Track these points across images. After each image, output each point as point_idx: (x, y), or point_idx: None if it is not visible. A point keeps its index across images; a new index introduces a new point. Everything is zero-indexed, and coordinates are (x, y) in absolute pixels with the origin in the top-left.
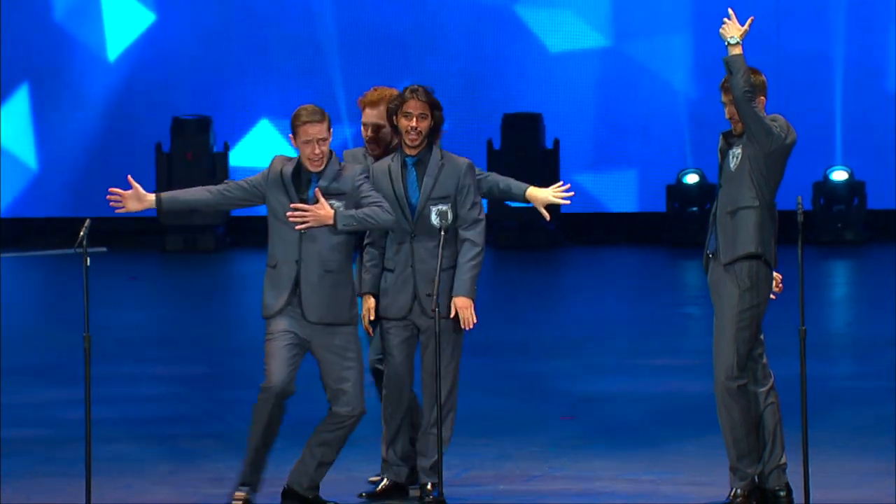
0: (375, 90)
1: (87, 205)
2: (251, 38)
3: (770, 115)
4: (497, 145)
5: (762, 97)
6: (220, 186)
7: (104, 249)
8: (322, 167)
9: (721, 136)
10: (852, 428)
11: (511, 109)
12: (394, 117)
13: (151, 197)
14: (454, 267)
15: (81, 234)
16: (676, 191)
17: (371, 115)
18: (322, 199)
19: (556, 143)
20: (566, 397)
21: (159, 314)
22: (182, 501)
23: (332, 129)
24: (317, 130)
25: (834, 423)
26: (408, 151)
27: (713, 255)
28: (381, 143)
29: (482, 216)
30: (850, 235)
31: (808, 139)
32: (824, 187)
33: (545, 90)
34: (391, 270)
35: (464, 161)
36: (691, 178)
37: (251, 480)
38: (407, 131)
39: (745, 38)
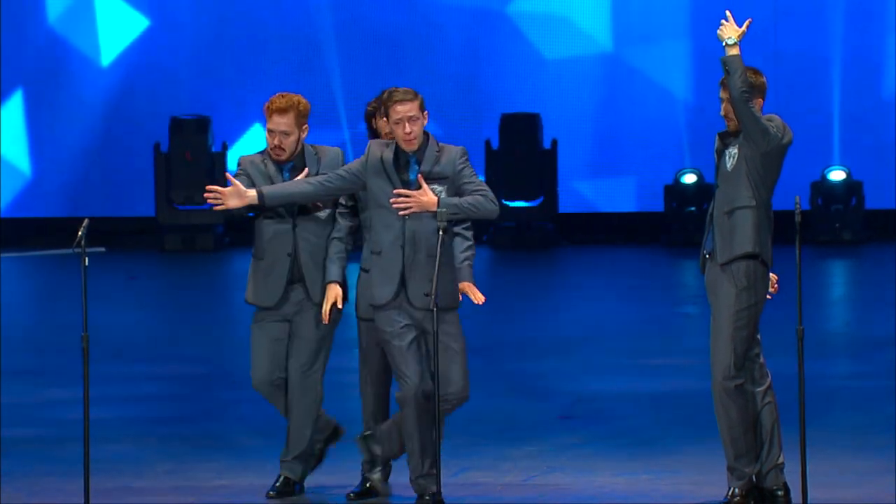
0: (283, 97)
1: (86, 206)
2: (248, 39)
3: (766, 114)
4: (495, 145)
5: (760, 99)
6: (320, 178)
7: (102, 249)
8: (415, 146)
9: (717, 137)
10: (850, 427)
11: (509, 110)
12: (372, 120)
13: (253, 192)
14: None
15: (80, 234)
16: (674, 191)
17: (279, 123)
18: (425, 185)
19: (555, 143)
20: (565, 397)
21: (158, 314)
22: (181, 501)
23: (426, 112)
24: (406, 109)
25: (832, 422)
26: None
27: (710, 255)
28: (288, 150)
29: None
30: (847, 235)
31: (806, 139)
32: (822, 187)
33: (543, 91)
34: (367, 271)
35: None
36: (689, 178)
37: (428, 488)
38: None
39: (743, 38)
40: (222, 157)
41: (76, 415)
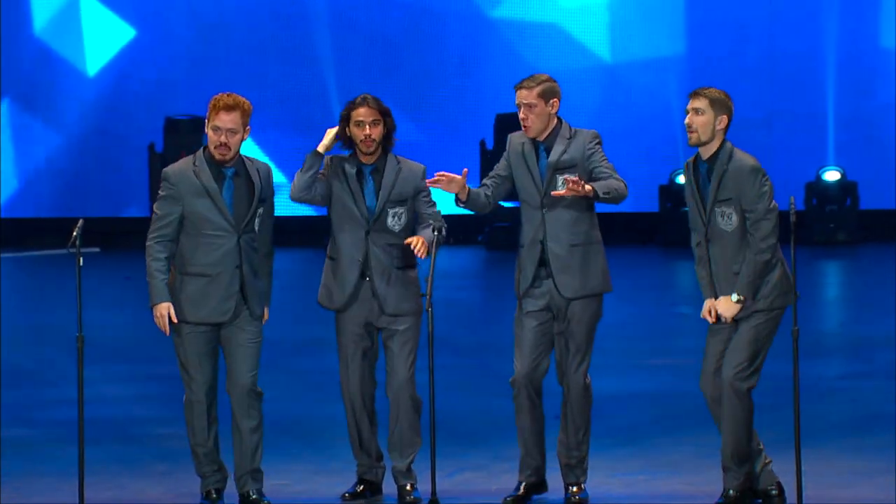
0: (229, 95)
1: (81, 206)
2: (244, 41)
3: (756, 175)
4: (490, 145)
5: (724, 115)
6: (484, 190)
7: (97, 250)
8: (533, 135)
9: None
10: (845, 427)
11: (504, 110)
12: (346, 128)
13: (466, 188)
14: (409, 266)
15: (74, 234)
16: (669, 191)
17: (226, 121)
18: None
19: None
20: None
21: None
22: (177, 502)
23: (554, 101)
24: (523, 95)
25: (827, 422)
26: (363, 160)
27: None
28: (233, 149)
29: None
30: (842, 236)
31: (801, 140)
32: (817, 187)
33: None
34: (334, 259)
35: (420, 167)
36: (684, 179)
37: (535, 480)
38: (362, 140)
39: (739, 39)
40: None
41: (73, 415)
